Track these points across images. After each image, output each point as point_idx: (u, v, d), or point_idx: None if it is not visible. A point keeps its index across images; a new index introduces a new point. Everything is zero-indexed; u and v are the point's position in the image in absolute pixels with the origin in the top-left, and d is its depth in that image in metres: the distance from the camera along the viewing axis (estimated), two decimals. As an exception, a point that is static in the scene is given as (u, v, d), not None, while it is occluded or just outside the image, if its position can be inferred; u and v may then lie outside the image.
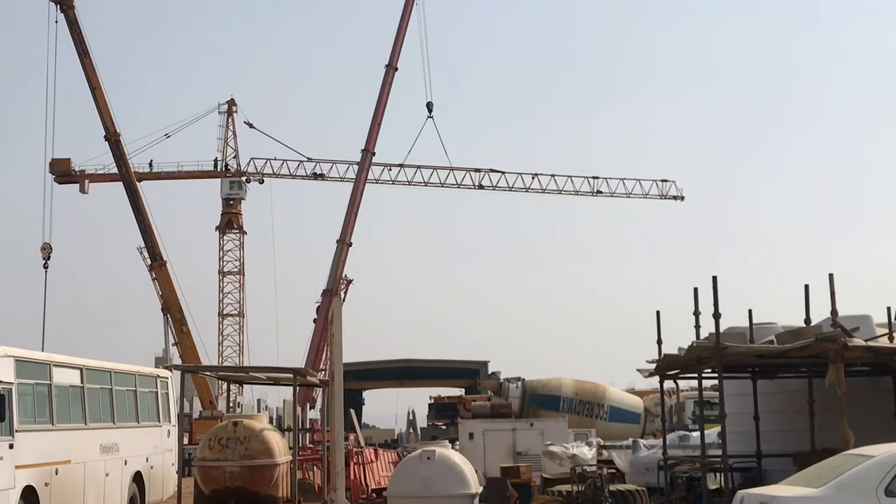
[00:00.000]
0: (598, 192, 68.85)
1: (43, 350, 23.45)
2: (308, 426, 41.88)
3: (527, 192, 67.85)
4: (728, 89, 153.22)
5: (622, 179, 69.02)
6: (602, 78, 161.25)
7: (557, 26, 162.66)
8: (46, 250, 47.57)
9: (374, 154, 59.89)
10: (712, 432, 22.82)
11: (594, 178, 68.58)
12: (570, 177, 68.35)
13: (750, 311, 21.91)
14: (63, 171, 59.22)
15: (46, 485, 17.88)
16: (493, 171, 66.89)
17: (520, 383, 39.82)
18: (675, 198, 69.88)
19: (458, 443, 30.11)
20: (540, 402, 39.17)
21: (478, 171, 66.59)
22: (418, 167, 65.23)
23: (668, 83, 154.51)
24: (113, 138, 52.76)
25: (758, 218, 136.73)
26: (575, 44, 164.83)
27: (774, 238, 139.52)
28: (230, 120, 69.19)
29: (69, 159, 60.03)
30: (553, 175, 67.94)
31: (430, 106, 60.49)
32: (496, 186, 67.03)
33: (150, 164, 65.08)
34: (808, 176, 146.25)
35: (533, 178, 67.51)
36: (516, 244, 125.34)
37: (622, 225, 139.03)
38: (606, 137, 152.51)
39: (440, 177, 65.79)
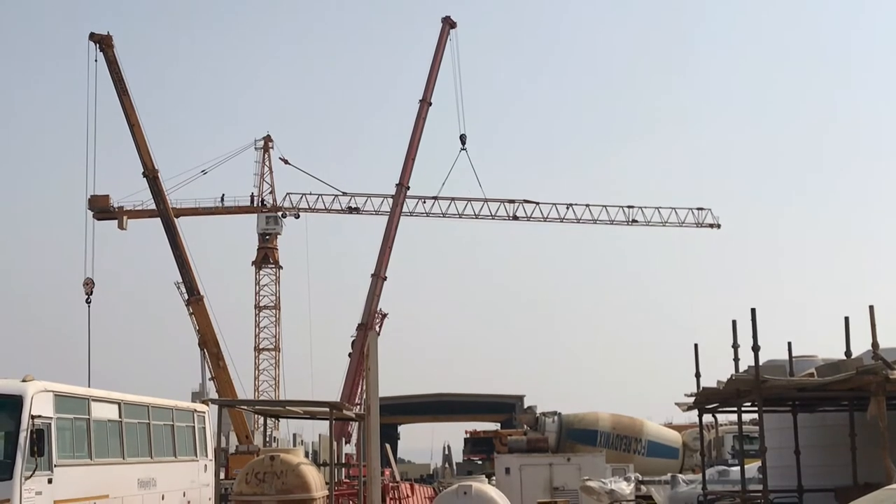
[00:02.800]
0: (634, 221, 68.37)
1: (89, 385, 23.68)
2: (344, 461, 41.77)
3: (562, 222, 67.57)
4: (765, 117, 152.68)
5: (657, 208, 68.66)
6: (635, 106, 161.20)
7: (590, 55, 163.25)
8: (89, 285, 47.88)
9: (408, 188, 60.12)
10: (752, 467, 22.56)
11: (629, 207, 68.30)
12: (604, 206, 68.04)
13: (789, 344, 21.69)
14: (102, 208, 59.83)
15: (85, 519, 17.98)
16: (527, 201, 66.78)
17: (556, 417, 39.60)
18: (711, 226, 69.21)
19: (494, 478, 29.96)
20: (577, 436, 38.91)
21: (512, 202, 66.49)
22: (452, 199, 65.35)
23: (703, 111, 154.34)
24: (151, 175, 53.30)
25: (796, 248, 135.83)
26: (607, 72, 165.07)
27: (813, 269, 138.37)
28: (266, 156, 69.85)
29: (108, 196, 60.67)
30: (587, 205, 67.64)
31: (463, 138, 60.78)
32: (531, 217, 66.85)
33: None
34: (847, 205, 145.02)
35: (567, 208, 67.28)
36: (551, 275, 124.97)
37: (658, 255, 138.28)
38: (641, 166, 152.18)
39: (474, 208, 65.86)
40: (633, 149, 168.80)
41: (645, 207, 68.38)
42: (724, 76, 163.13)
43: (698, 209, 68.99)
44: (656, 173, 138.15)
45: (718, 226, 69.32)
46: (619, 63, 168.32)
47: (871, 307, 18.88)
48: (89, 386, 24.48)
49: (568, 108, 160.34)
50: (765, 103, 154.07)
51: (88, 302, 47.67)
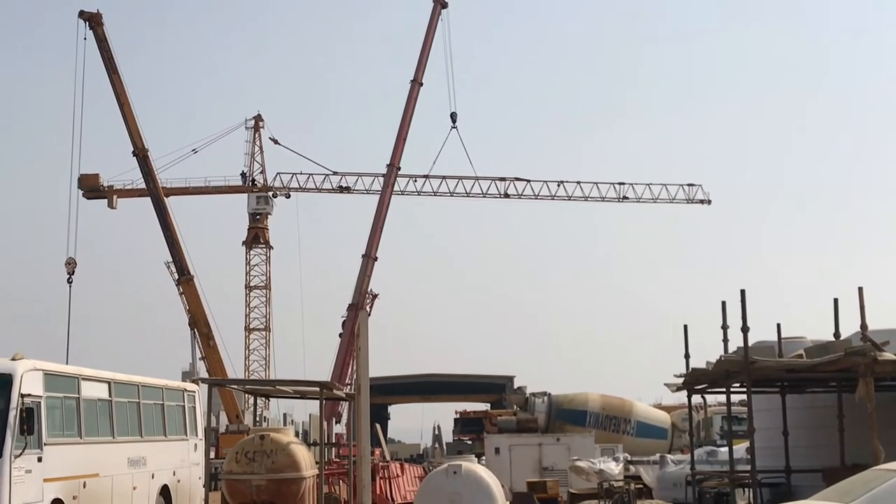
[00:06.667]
0: (625, 197, 67.96)
1: (67, 364, 23.62)
2: (334, 440, 41.85)
3: (552, 199, 67.15)
4: (757, 96, 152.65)
5: (648, 184, 68.30)
6: (625, 83, 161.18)
7: (581, 35, 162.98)
8: (71, 265, 47.36)
9: (399, 169, 59.92)
10: (741, 447, 22.67)
11: (620, 183, 67.94)
12: (595, 183, 67.54)
13: (778, 325, 21.79)
14: (92, 187, 59.62)
15: (75, 498, 17.99)
16: (518, 179, 66.41)
17: (546, 398, 39.67)
18: (701, 201, 69.02)
19: (484, 458, 30.04)
20: (566, 417, 39.00)
21: (503, 179, 66.09)
22: (443, 178, 65.04)
23: (697, 89, 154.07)
24: (141, 154, 53.07)
25: (786, 229, 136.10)
26: (598, 51, 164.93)
27: (803, 250, 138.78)
28: (257, 135, 69.51)
29: (98, 175, 60.39)
30: (579, 182, 67.23)
31: (453, 116, 60.36)
32: (521, 195, 66.47)
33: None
34: (839, 186, 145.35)
35: (558, 185, 66.80)
36: (542, 255, 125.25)
37: (649, 235, 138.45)
38: (631, 143, 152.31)
39: (465, 187, 65.40)
40: (624, 126, 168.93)
41: (636, 184, 68.28)
42: (715, 50, 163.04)
43: (689, 185, 68.77)
44: (647, 150, 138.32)
45: (709, 201, 69.07)
46: (608, 40, 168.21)
47: (861, 289, 18.97)
48: (67, 365, 24.43)
49: (558, 85, 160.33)
50: (762, 80, 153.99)
51: (70, 282, 47.07)
